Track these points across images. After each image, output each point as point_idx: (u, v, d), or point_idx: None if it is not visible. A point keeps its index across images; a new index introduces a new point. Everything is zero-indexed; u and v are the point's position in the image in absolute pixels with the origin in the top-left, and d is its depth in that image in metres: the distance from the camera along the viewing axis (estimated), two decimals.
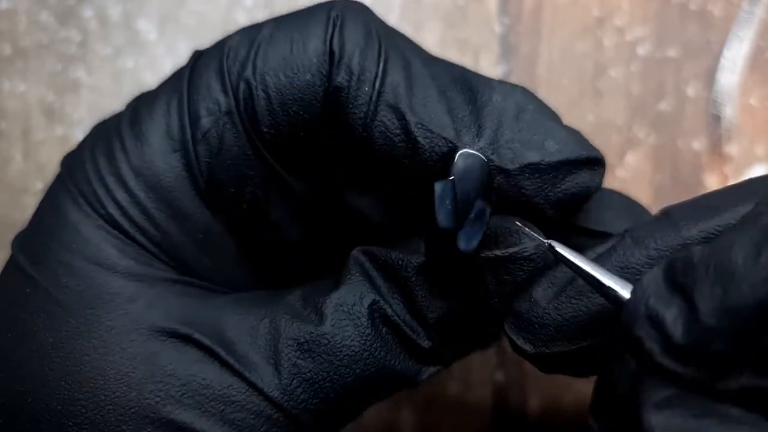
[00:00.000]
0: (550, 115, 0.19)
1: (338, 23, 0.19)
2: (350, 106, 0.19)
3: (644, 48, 0.30)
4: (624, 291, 0.16)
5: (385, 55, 0.19)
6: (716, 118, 0.30)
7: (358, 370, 0.19)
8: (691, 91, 0.30)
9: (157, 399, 0.18)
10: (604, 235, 0.19)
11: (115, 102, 0.30)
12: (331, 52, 0.19)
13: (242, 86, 0.19)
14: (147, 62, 0.30)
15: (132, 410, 0.18)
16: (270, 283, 0.21)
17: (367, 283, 0.19)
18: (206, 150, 0.19)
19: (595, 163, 0.19)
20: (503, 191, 0.18)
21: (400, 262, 0.19)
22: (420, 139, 0.18)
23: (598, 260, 0.18)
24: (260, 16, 0.30)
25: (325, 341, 0.19)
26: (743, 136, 0.30)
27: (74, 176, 0.20)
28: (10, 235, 0.21)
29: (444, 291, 0.19)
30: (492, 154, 0.18)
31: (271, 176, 0.20)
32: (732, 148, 0.30)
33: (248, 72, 0.19)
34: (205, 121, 0.19)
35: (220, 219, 0.20)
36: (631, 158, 0.30)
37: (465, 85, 0.19)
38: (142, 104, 0.20)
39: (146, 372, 0.18)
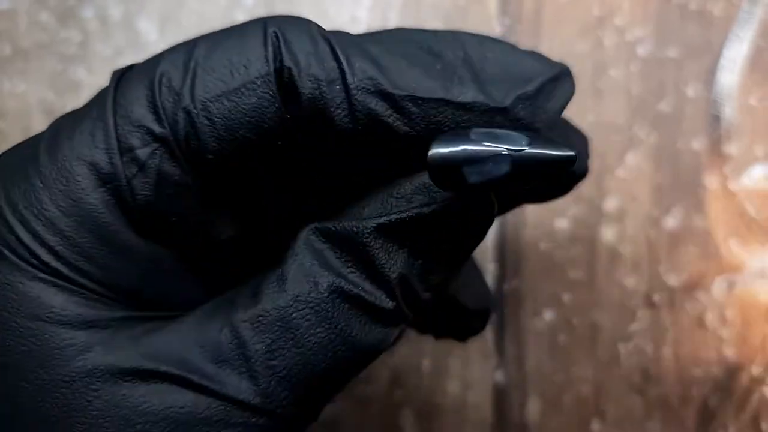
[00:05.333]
0: (509, 47, 0.20)
1: (279, 40, 0.19)
2: (331, 109, 0.18)
3: (644, 48, 0.30)
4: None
5: (339, 48, 0.18)
6: (716, 118, 0.30)
7: (329, 354, 0.19)
8: (691, 91, 0.30)
9: None
10: None
11: None
12: (288, 69, 0.18)
13: (181, 115, 0.18)
14: None
15: None
16: (224, 291, 0.21)
17: (318, 264, 0.19)
18: (144, 183, 0.18)
19: (567, 73, 0.20)
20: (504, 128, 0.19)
21: (354, 230, 0.19)
22: (413, 109, 0.18)
23: None
24: (260, 15, 0.30)
25: (291, 335, 0.18)
26: (743, 136, 0.30)
27: None
28: None
29: (403, 247, 0.19)
30: (484, 99, 0.18)
31: (214, 201, 0.20)
32: (732, 148, 0.30)
33: (186, 101, 0.18)
34: (140, 153, 0.18)
35: (163, 244, 0.20)
36: (631, 158, 0.30)
37: (420, 46, 0.19)
38: (61, 135, 0.19)
39: (121, 417, 0.18)
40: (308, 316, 0.19)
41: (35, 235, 0.18)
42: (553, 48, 0.30)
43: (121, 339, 0.18)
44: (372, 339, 0.19)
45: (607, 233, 0.30)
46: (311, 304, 0.19)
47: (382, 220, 0.19)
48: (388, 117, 0.18)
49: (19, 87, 0.30)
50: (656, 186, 0.30)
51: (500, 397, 0.29)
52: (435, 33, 0.20)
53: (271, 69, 0.18)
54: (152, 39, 0.30)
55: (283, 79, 0.18)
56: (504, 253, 0.30)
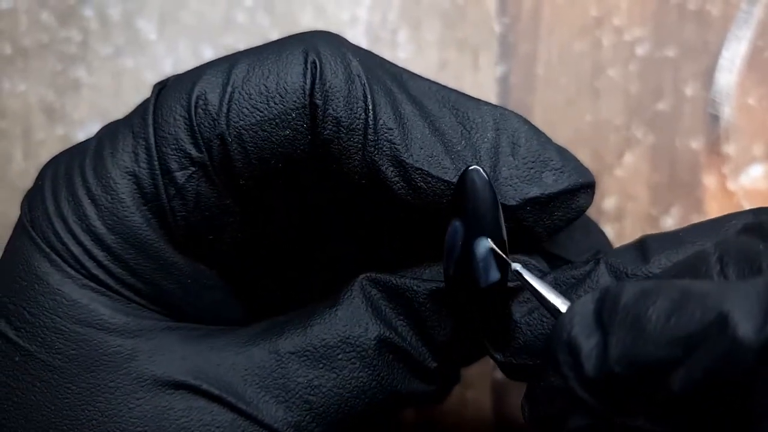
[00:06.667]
0: (543, 143, 0.19)
1: (317, 70, 0.18)
2: (343, 158, 0.18)
3: (643, 48, 0.30)
4: None
5: (372, 97, 0.18)
6: (714, 118, 0.30)
7: (366, 400, 0.19)
8: (689, 90, 0.30)
9: None
10: (567, 262, 0.20)
11: (115, 101, 0.30)
12: (314, 105, 0.18)
13: (216, 142, 0.18)
14: (147, 62, 0.30)
15: None
16: (265, 313, 0.21)
17: (371, 311, 0.19)
18: (182, 205, 0.19)
19: (589, 186, 0.20)
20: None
21: (410, 289, 0.19)
22: (421, 184, 0.18)
23: (575, 285, 0.18)
24: (260, 16, 0.30)
25: (334, 375, 0.19)
26: (741, 136, 0.30)
27: (44, 232, 0.19)
28: (9, 235, 0.21)
29: (454, 314, 0.20)
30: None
31: (251, 219, 0.20)
32: (730, 148, 0.30)
33: (222, 127, 0.18)
34: (179, 176, 0.19)
35: (204, 262, 0.20)
36: (629, 158, 0.30)
37: (456, 116, 0.19)
38: (105, 150, 0.19)
39: (158, 429, 0.18)
40: (353, 360, 0.19)
41: (84, 249, 0.19)
42: (551, 47, 0.30)
43: (167, 351, 0.19)
44: (411, 391, 0.20)
45: (606, 232, 0.30)
46: (359, 349, 0.19)
47: (436, 286, 0.19)
48: (395, 183, 0.18)
49: (19, 86, 0.30)
50: (654, 185, 0.30)
51: (500, 395, 0.29)
52: (477, 103, 0.19)
53: (308, 102, 0.18)
54: (152, 38, 0.30)
55: (311, 112, 0.18)
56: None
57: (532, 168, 0.19)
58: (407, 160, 0.18)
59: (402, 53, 0.30)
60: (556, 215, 0.19)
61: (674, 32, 0.30)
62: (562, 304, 0.17)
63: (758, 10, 0.30)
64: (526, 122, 0.20)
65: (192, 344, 0.19)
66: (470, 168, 0.18)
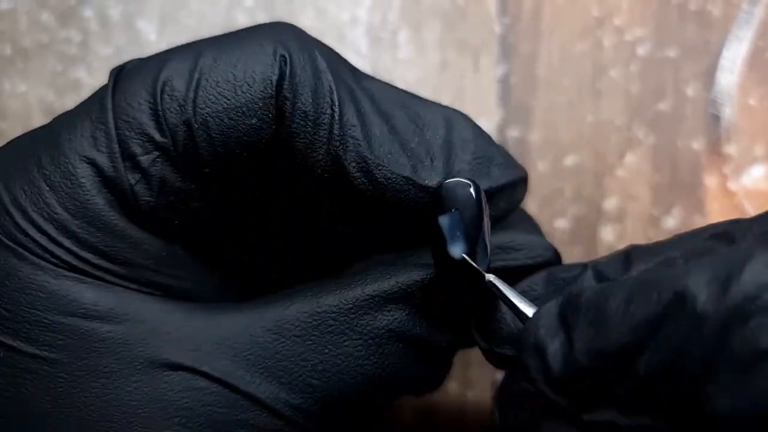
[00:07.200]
0: (487, 140, 0.21)
1: (286, 64, 0.19)
2: (308, 151, 0.19)
3: (644, 48, 0.30)
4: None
5: (337, 93, 0.19)
6: (715, 118, 0.30)
7: (371, 385, 0.19)
8: (690, 91, 0.30)
9: None
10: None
11: None
12: (284, 98, 0.18)
13: (182, 128, 0.18)
14: None
15: None
16: (249, 290, 0.21)
17: (379, 298, 0.19)
18: (146, 189, 0.19)
19: (524, 180, 0.21)
20: None
21: (416, 276, 0.20)
22: (381, 179, 0.19)
23: (563, 286, 0.19)
24: (260, 16, 0.30)
25: (339, 362, 0.19)
26: (742, 136, 0.30)
27: (2, 226, 0.18)
28: None
29: (456, 297, 0.20)
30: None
31: (215, 204, 0.20)
32: (731, 148, 0.30)
33: (188, 113, 0.18)
34: (143, 160, 0.18)
35: (173, 238, 0.20)
36: (631, 158, 0.30)
37: (408, 115, 0.20)
38: (61, 136, 0.19)
39: (159, 409, 0.18)
40: (359, 347, 0.19)
41: (50, 238, 0.18)
42: (552, 48, 0.30)
43: (160, 333, 0.19)
44: (416, 374, 0.20)
45: (607, 233, 0.30)
46: (366, 337, 0.19)
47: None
48: (356, 178, 0.19)
49: (19, 87, 0.30)
50: (656, 186, 0.30)
51: None
52: (426, 103, 0.21)
53: (274, 93, 0.18)
54: (152, 39, 0.30)
55: (279, 105, 0.19)
56: None
57: (480, 163, 0.20)
58: (369, 156, 0.19)
59: (402, 54, 0.30)
60: (500, 206, 0.21)
61: (675, 32, 0.30)
62: (529, 310, 0.18)
63: (759, 10, 0.30)
64: (471, 120, 0.21)
65: (185, 324, 0.19)
66: (460, 181, 0.19)
